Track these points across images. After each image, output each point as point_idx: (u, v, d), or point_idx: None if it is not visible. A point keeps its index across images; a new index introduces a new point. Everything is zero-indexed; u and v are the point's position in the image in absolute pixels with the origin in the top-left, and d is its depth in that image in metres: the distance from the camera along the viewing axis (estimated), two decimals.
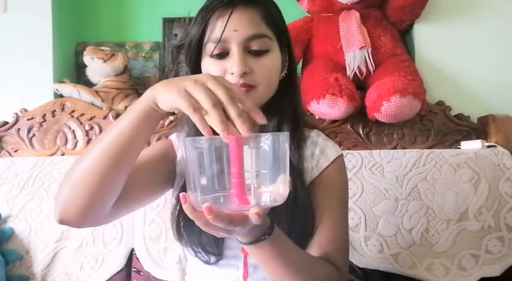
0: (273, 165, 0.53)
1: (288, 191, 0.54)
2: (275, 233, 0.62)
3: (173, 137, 0.89)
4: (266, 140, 0.53)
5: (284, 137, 0.54)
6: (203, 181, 0.52)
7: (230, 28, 0.72)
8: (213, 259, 0.77)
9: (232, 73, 0.73)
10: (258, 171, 0.52)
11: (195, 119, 0.53)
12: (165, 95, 0.56)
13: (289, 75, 0.82)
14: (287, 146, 0.54)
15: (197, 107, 0.53)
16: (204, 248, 0.76)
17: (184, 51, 0.81)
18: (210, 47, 0.74)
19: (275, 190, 0.53)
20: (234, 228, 0.53)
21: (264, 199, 0.53)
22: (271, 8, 0.78)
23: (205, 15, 0.75)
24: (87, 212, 0.63)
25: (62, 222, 0.64)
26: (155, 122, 0.62)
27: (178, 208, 0.78)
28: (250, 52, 0.74)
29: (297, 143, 0.80)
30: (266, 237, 0.61)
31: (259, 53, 0.74)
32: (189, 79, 0.55)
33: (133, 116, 0.60)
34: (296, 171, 0.77)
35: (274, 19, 0.77)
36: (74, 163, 0.64)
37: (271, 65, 0.76)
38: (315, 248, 0.75)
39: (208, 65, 0.75)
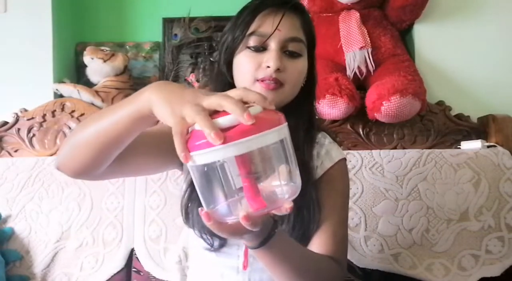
0: (279, 159, 0.52)
1: (300, 181, 0.53)
2: (279, 232, 0.64)
3: None
4: (267, 136, 0.51)
5: (283, 129, 0.52)
6: (217, 192, 0.51)
7: (274, 27, 0.77)
8: (216, 243, 0.79)
9: (268, 67, 0.76)
10: (265, 168, 0.52)
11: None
12: (161, 110, 0.55)
13: (309, 85, 0.86)
14: (288, 137, 0.53)
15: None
16: (210, 231, 0.76)
17: (220, 44, 0.84)
18: (252, 39, 0.78)
19: (285, 182, 0.52)
20: (258, 228, 0.54)
21: (279, 193, 0.53)
22: (308, 19, 0.84)
23: (255, 10, 0.80)
24: (82, 170, 0.69)
25: (59, 170, 0.71)
26: (149, 122, 0.62)
27: (187, 192, 0.80)
28: (285, 52, 0.79)
29: (310, 143, 0.85)
30: (274, 232, 0.63)
31: (293, 55, 0.79)
32: (188, 102, 0.51)
33: (127, 114, 0.60)
34: (306, 169, 0.81)
35: (310, 29, 0.84)
36: (78, 128, 0.68)
37: (300, 69, 0.81)
38: (316, 244, 0.79)
39: (244, 57, 0.79)
